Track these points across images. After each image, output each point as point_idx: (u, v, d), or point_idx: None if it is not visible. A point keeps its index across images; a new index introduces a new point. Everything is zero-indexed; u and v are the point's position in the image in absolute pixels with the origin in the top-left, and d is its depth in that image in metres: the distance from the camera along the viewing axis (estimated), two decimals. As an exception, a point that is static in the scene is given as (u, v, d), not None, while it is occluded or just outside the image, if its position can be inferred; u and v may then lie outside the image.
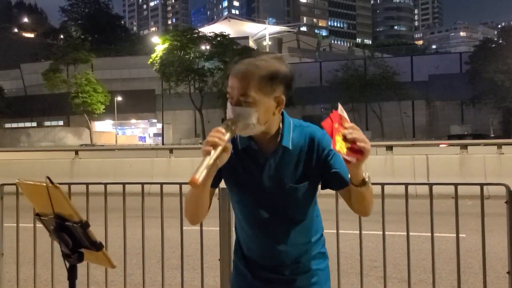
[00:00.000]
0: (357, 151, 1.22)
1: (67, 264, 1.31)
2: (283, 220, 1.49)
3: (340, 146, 1.21)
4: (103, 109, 48.05)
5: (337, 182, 1.46)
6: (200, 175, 1.18)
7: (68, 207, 1.16)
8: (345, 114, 1.28)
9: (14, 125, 57.78)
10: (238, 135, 1.48)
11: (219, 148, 1.24)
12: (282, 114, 1.47)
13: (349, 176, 1.37)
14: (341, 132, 1.22)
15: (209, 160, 1.22)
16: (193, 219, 1.48)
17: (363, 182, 1.35)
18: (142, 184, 3.24)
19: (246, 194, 1.50)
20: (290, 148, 1.45)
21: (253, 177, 1.47)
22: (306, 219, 1.53)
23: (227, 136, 1.27)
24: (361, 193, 1.38)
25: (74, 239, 1.21)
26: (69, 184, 3.35)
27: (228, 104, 1.38)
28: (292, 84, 1.43)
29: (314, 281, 1.56)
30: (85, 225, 1.19)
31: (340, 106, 1.29)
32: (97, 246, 1.22)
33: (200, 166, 1.20)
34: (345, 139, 1.22)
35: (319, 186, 1.54)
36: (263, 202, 1.48)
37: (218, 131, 1.26)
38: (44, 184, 1.16)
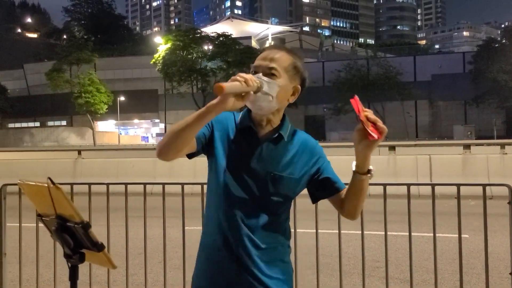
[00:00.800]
0: (376, 131, 1.35)
1: (69, 264, 1.31)
2: (257, 206, 1.47)
3: (366, 122, 1.35)
4: (106, 109, 48.11)
5: (329, 187, 1.53)
6: (229, 87, 1.25)
7: (69, 207, 1.16)
8: (360, 103, 1.40)
9: (18, 125, 57.97)
10: (242, 116, 1.54)
11: (248, 88, 1.31)
12: (284, 114, 1.55)
13: (354, 166, 1.46)
14: (361, 112, 1.35)
15: (239, 85, 1.29)
16: (164, 149, 1.43)
17: (369, 171, 1.45)
18: (144, 184, 3.24)
19: (229, 171, 1.48)
20: (285, 139, 1.50)
21: (242, 156, 1.49)
22: (280, 216, 1.52)
23: (256, 84, 1.35)
24: (362, 185, 1.46)
25: (76, 240, 1.21)
26: (71, 184, 3.36)
27: (256, 75, 1.42)
28: (304, 87, 1.55)
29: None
30: (86, 226, 1.20)
31: (356, 97, 1.40)
32: (98, 247, 1.22)
33: (231, 82, 1.27)
34: (367, 120, 1.35)
35: (305, 199, 1.59)
36: (244, 183, 1.47)
37: (253, 77, 1.35)
38: (46, 185, 1.16)
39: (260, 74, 1.42)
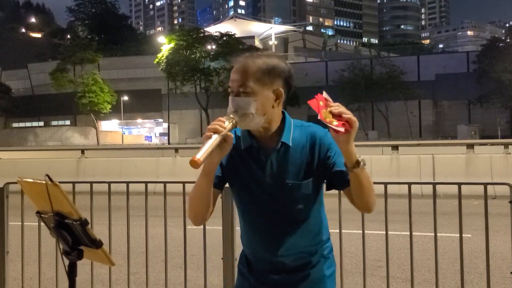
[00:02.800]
0: (344, 124, 1.27)
1: (65, 262, 1.32)
2: (284, 219, 1.49)
3: (327, 117, 1.27)
4: (110, 108, 48.21)
5: (340, 180, 1.45)
6: (202, 155, 1.22)
7: (67, 205, 1.17)
8: (329, 99, 1.33)
9: (22, 124, 58.21)
10: (240, 135, 1.51)
11: (220, 135, 1.29)
12: (284, 114, 1.50)
13: (344, 160, 1.38)
14: (327, 108, 1.29)
15: (210, 142, 1.26)
16: (196, 218, 1.47)
17: (357, 163, 1.34)
18: (146, 183, 3.24)
19: (248, 193, 1.50)
20: (290, 144, 1.46)
21: (255, 175, 1.48)
22: (308, 219, 1.51)
23: (228, 125, 1.32)
24: (358, 178, 1.36)
25: (74, 237, 1.22)
26: (73, 182, 3.37)
27: (230, 98, 1.42)
28: (291, 81, 1.48)
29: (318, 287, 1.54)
30: (84, 223, 1.20)
31: (324, 92, 1.34)
32: (97, 244, 1.22)
33: (201, 148, 1.25)
34: (332, 115, 1.28)
35: (324, 188, 1.54)
36: (265, 200, 1.48)
37: (220, 120, 1.32)
38: (44, 182, 1.17)
39: (231, 97, 1.40)
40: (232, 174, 1.51)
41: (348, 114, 1.27)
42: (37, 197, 1.25)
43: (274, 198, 1.47)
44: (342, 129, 1.26)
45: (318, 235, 1.55)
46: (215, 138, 1.27)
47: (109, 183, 3.21)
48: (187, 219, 3.38)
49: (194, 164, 1.21)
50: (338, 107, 1.28)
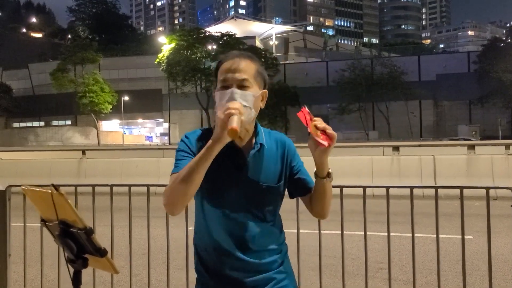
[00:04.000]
0: (326, 138, 1.39)
1: (71, 270, 1.32)
2: (254, 219, 1.49)
3: (314, 132, 1.39)
4: (110, 108, 48.25)
5: (302, 187, 1.55)
6: (236, 123, 1.27)
7: (72, 213, 1.17)
8: (310, 113, 1.45)
9: (22, 124, 58.26)
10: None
11: (239, 116, 1.32)
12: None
13: (315, 170, 1.47)
14: (312, 122, 1.40)
15: (236, 117, 1.29)
16: (181, 200, 1.40)
17: (328, 174, 1.46)
18: (148, 186, 3.24)
19: (222, 192, 1.48)
20: (266, 146, 1.51)
21: (231, 176, 1.48)
22: (275, 221, 1.56)
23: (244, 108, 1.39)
24: (324, 188, 1.48)
25: (79, 245, 1.22)
26: (76, 185, 3.37)
27: (219, 92, 1.43)
28: (266, 87, 1.54)
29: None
30: (89, 232, 1.21)
31: (306, 107, 1.46)
32: (101, 253, 1.23)
33: (233, 120, 1.28)
34: (316, 128, 1.39)
35: (287, 194, 1.61)
36: (238, 201, 1.47)
37: (236, 104, 1.35)
38: (49, 191, 1.17)
39: (234, 89, 1.41)
40: (209, 171, 1.42)
41: (330, 129, 1.39)
42: (42, 205, 1.25)
43: (248, 199, 1.48)
44: (325, 143, 1.38)
45: (281, 234, 1.59)
46: (238, 116, 1.32)
47: (111, 186, 3.20)
48: (189, 220, 3.38)
49: (233, 132, 1.26)
50: (321, 122, 1.39)
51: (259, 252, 1.51)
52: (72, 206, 1.15)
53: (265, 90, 1.51)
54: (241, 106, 1.35)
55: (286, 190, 1.59)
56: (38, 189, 1.23)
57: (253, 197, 1.49)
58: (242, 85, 1.43)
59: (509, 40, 47.29)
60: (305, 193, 1.55)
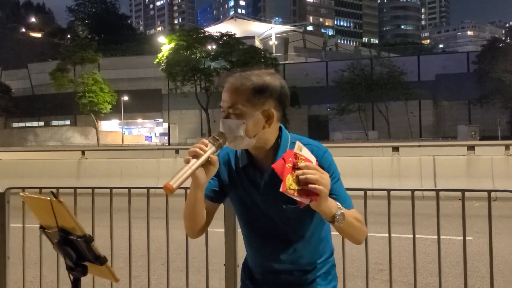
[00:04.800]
0: (312, 192, 1.18)
1: (71, 276, 1.31)
2: (278, 239, 1.47)
3: (290, 187, 1.17)
4: (110, 108, 48.25)
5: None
6: (175, 182, 1.21)
7: (71, 221, 1.16)
8: (305, 151, 1.25)
9: (22, 124, 58.20)
10: (240, 154, 1.49)
11: (200, 159, 1.28)
12: (281, 129, 1.45)
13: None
14: (294, 172, 1.19)
15: (187, 168, 1.25)
16: (192, 232, 1.50)
17: (334, 219, 1.28)
18: (148, 188, 3.23)
19: (245, 212, 1.49)
20: None
21: (251, 195, 1.46)
22: (304, 239, 1.47)
23: (211, 148, 1.31)
24: (339, 229, 1.32)
25: (78, 253, 1.21)
26: (75, 188, 3.35)
27: (220, 120, 1.41)
28: (284, 99, 1.42)
29: None
30: (88, 240, 1.20)
31: (298, 143, 1.26)
32: (101, 261, 1.22)
33: (176, 173, 1.23)
34: (299, 180, 1.18)
35: None
36: (259, 219, 1.46)
37: (202, 143, 1.31)
38: (48, 199, 1.16)
39: (221, 119, 1.39)
40: (232, 191, 1.50)
41: (315, 183, 1.18)
42: (40, 212, 1.24)
43: (268, 218, 1.45)
44: (306, 201, 1.19)
45: (316, 252, 1.50)
46: (193, 163, 1.27)
47: (111, 188, 3.19)
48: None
49: (167, 190, 1.19)
50: (306, 172, 1.18)
51: (283, 267, 1.49)
52: (71, 213, 1.14)
53: (269, 110, 1.37)
54: (205, 145, 1.30)
55: None
56: (37, 197, 1.22)
57: (273, 216, 1.45)
58: (230, 115, 1.37)
59: (509, 40, 47.30)
60: None
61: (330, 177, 1.31)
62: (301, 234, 1.47)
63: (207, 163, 1.32)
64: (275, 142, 1.43)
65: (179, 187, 1.21)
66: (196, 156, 1.28)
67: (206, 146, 1.31)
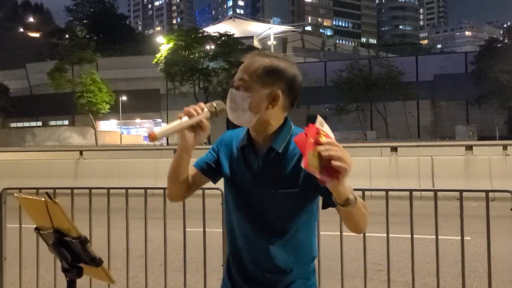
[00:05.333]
0: (334, 170, 1.09)
1: (67, 279, 1.30)
2: (265, 227, 1.44)
3: (312, 164, 1.08)
4: (108, 108, 48.16)
5: (331, 199, 1.32)
6: (160, 132, 1.25)
7: (66, 222, 1.15)
8: (326, 128, 1.17)
9: (20, 124, 58.06)
10: (242, 137, 1.51)
11: (193, 119, 1.32)
12: (286, 121, 1.46)
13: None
14: (316, 148, 1.10)
15: (176, 123, 1.29)
16: (172, 195, 1.51)
17: (347, 202, 1.21)
18: (145, 189, 3.22)
19: (237, 193, 1.49)
20: (280, 151, 1.41)
21: (244, 177, 1.46)
22: (290, 232, 1.44)
23: (206, 114, 1.35)
24: (348, 214, 1.27)
25: (73, 254, 1.20)
26: (72, 188, 3.35)
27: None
28: (295, 88, 1.44)
29: None
30: (84, 241, 1.19)
31: (319, 118, 1.19)
32: (97, 262, 1.20)
33: (166, 125, 1.29)
34: (321, 157, 1.09)
35: (318, 206, 1.49)
36: (250, 204, 1.45)
37: (199, 106, 1.35)
38: (43, 200, 1.15)
39: (231, 89, 1.41)
40: (227, 169, 1.51)
41: (338, 160, 1.10)
42: (35, 213, 1.23)
43: (259, 203, 1.44)
44: (328, 180, 1.10)
45: (299, 251, 1.46)
46: (184, 120, 1.30)
47: (108, 189, 3.19)
48: (187, 221, 3.36)
49: (150, 138, 1.24)
50: (328, 148, 1.10)
51: (264, 261, 1.45)
52: (66, 214, 1.14)
53: (276, 91, 1.38)
54: (208, 108, 1.36)
55: (308, 198, 1.44)
56: (31, 198, 1.21)
57: (263, 202, 1.43)
58: (238, 86, 1.40)
59: (506, 41, 47.45)
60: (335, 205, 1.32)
61: None
62: (287, 224, 1.43)
63: (198, 128, 1.36)
64: (277, 129, 1.43)
65: (162, 137, 1.26)
66: (189, 115, 1.32)
67: (202, 110, 1.35)
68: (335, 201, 1.23)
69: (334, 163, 1.09)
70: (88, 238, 1.20)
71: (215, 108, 1.37)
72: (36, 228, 1.28)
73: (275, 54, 1.47)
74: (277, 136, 1.43)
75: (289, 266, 1.45)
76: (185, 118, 1.31)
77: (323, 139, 1.12)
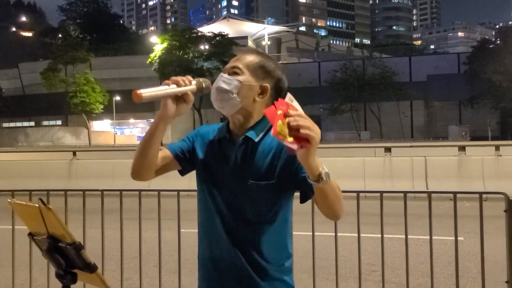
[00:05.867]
0: (302, 139, 1.14)
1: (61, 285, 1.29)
2: (240, 218, 1.43)
3: (281, 133, 1.12)
4: (102, 108, 47.92)
5: (308, 188, 1.32)
6: (146, 92, 1.25)
7: (60, 228, 1.14)
8: (295, 103, 1.25)
9: (12, 124, 57.60)
10: (220, 128, 1.52)
11: (179, 88, 1.32)
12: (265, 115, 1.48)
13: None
14: (285, 120, 1.14)
15: (162, 88, 1.29)
16: (134, 167, 1.45)
17: (320, 177, 1.22)
18: (139, 191, 3.21)
19: (211, 184, 1.48)
20: (256, 140, 1.43)
21: (220, 168, 1.47)
22: (265, 225, 1.43)
23: (193, 86, 1.36)
24: (322, 191, 1.25)
25: (67, 260, 1.18)
26: (65, 190, 3.33)
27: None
28: (280, 89, 1.49)
29: None
30: (78, 247, 1.17)
31: (289, 95, 1.30)
32: (91, 268, 1.18)
33: (152, 87, 1.28)
34: (290, 127, 1.13)
35: (292, 200, 1.50)
36: (226, 196, 1.45)
37: (187, 77, 1.36)
38: (37, 205, 1.14)
39: (221, 73, 1.45)
40: (201, 160, 1.51)
41: (306, 129, 1.13)
42: (29, 219, 1.22)
43: (234, 195, 1.43)
44: (295, 147, 1.13)
45: (274, 246, 1.45)
46: (171, 88, 1.30)
47: (102, 191, 3.17)
48: (182, 222, 3.35)
49: (135, 96, 1.23)
50: (297, 119, 1.13)
51: (239, 254, 1.42)
52: (61, 220, 1.13)
53: (265, 84, 1.45)
54: (190, 80, 1.36)
55: (283, 191, 1.44)
56: (25, 203, 1.19)
57: (239, 193, 1.43)
58: (231, 72, 1.44)
59: (498, 42, 47.72)
60: (312, 191, 1.32)
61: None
62: (259, 215, 1.42)
63: (181, 99, 1.36)
64: (256, 123, 1.47)
65: (146, 99, 1.24)
66: (177, 84, 1.32)
67: (190, 83, 1.36)
68: (308, 180, 1.24)
69: (302, 131, 1.13)
70: (82, 240, 1.19)
71: (202, 83, 1.39)
72: (30, 234, 1.26)
73: (267, 54, 1.53)
74: (255, 127, 1.46)
75: (266, 263, 1.44)
76: (172, 86, 1.31)
77: (292, 112, 1.16)
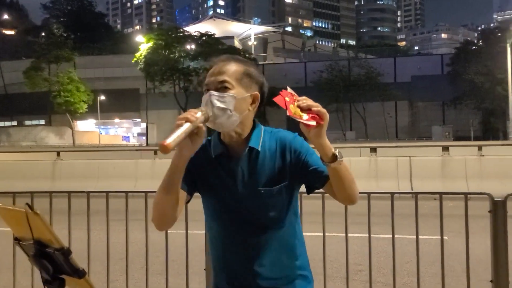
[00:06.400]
0: (314, 117, 1.26)
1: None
2: (257, 228, 1.44)
3: (296, 113, 1.25)
4: (86, 108, 47.35)
5: (317, 178, 1.42)
6: (172, 140, 1.18)
7: (48, 233, 1.12)
8: (294, 93, 1.32)
9: (-6, 124, 56.60)
10: (211, 144, 1.48)
11: (193, 123, 1.26)
12: (254, 122, 1.49)
13: (320, 155, 1.35)
14: (294, 103, 1.27)
15: (181, 130, 1.23)
16: (163, 222, 1.39)
17: (334, 157, 1.31)
18: (126, 192, 3.18)
19: (219, 201, 1.46)
20: (259, 149, 1.43)
21: (225, 184, 1.45)
22: (282, 229, 1.46)
23: (201, 116, 1.29)
24: (337, 172, 1.34)
25: (55, 266, 1.16)
26: (51, 192, 3.28)
27: (206, 94, 1.38)
28: (263, 92, 1.48)
29: None
30: (66, 253, 1.14)
31: (289, 88, 1.33)
32: (79, 274, 1.16)
33: (172, 134, 1.21)
34: (300, 109, 1.26)
35: (299, 194, 1.52)
36: (236, 209, 1.44)
37: (191, 111, 1.30)
38: (24, 210, 1.11)
39: (211, 91, 1.36)
40: (203, 181, 1.48)
41: (317, 107, 1.26)
42: (15, 224, 1.19)
43: (246, 206, 1.44)
44: (313, 123, 1.25)
45: (294, 247, 1.50)
46: (187, 126, 1.24)
47: (88, 193, 3.13)
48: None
49: (164, 148, 1.15)
50: (305, 101, 1.27)
51: (265, 262, 1.46)
52: (48, 225, 1.11)
53: (256, 93, 1.43)
54: (195, 113, 1.27)
55: (294, 190, 1.49)
56: (11, 208, 1.16)
57: (251, 203, 1.43)
58: (221, 87, 1.37)
59: (480, 43, 48.58)
60: (323, 183, 1.42)
61: (307, 152, 1.44)
62: (275, 220, 1.45)
63: (193, 134, 1.29)
64: (250, 131, 1.46)
65: (175, 147, 1.20)
66: (188, 120, 1.25)
67: (196, 115, 1.29)
68: (323, 162, 1.33)
69: (314, 109, 1.26)
70: (67, 242, 1.17)
71: (206, 112, 1.33)
72: (16, 239, 1.23)
73: (244, 59, 1.50)
74: (252, 136, 1.45)
75: (289, 259, 1.49)
76: (186, 124, 1.25)
77: (297, 98, 1.29)
